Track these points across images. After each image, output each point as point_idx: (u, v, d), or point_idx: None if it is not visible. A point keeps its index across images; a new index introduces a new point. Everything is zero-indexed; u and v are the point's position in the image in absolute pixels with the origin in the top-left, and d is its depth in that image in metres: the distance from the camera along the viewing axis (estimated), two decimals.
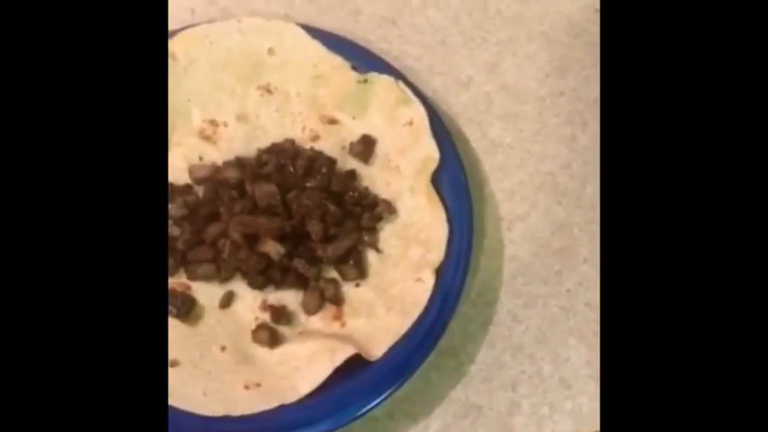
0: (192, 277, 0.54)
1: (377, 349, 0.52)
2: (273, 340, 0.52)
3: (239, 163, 0.58)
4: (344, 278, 0.55)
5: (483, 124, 0.66)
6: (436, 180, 0.57)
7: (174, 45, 0.60)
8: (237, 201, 0.55)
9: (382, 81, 0.61)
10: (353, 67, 0.61)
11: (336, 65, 0.61)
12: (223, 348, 0.52)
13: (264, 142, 0.60)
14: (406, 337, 0.52)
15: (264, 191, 0.55)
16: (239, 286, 0.55)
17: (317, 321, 0.54)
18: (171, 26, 0.62)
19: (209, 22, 0.62)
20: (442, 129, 0.59)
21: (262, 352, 0.52)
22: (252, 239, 0.54)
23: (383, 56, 0.63)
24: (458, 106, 0.66)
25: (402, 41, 0.68)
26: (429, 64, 0.68)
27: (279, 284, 0.54)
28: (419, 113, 0.59)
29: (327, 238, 0.55)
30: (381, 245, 0.57)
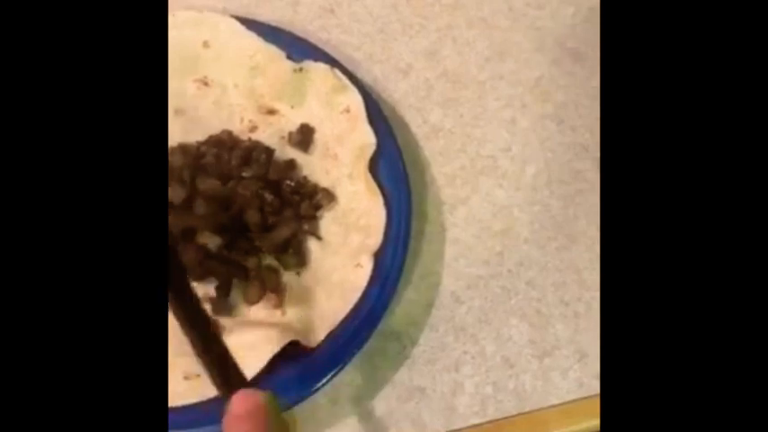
0: None
1: (316, 336, 0.52)
2: None
3: (183, 149, 0.58)
4: (285, 267, 0.56)
5: (423, 110, 0.66)
6: (374, 166, 0.58)
7: None
8: (176, 188, 0.54)
9: (318, 69, 0.61)
10: (289, 57, 0.61)
11: (272, 55, 0.61)
12: None
13: (203, 135, 0.60)
14: (345, 322, 0.52)
15: (208, 185, 0.54)
16: None
17: (258, 311, 0.54)
18: None
19: None
20: (379, 115, 0.60)
21: None
22: (189, 232, 0.54)
23: (322, 46, 0.64)
24: (398, 93, 0.67)
25: (341, 31, 0.69)
26: (369, 52, 0.68)
27: (218, 276, 0.54)
28: (355, 100, 0.60)
29: (266, 228, 0.55)
30: (322, 232, 0.57)
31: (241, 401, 0.36)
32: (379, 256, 0.54)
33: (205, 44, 0.62)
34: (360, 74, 0.64)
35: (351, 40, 0.68)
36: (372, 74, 0.67)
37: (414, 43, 0.69)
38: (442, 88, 0.67)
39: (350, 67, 0.63)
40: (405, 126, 0.65)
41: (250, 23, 0.62)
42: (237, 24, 0.62)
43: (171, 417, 0.48)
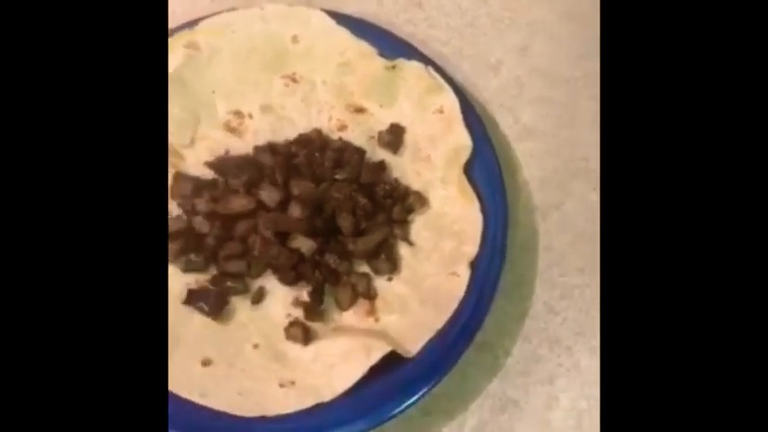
0: (223, 273, 0.53)
1: (412, 345, 0.51)
2: (307, 337, 0.52)
3: (272, 149, 0.57)
4: (376, 272, 0.54)
5: (514, 109, 0.64)
6: (468, 170, 0.56)
7: (196, 35, 0.59)
8: (271, 191, 0.53)
9: (411, 67, 0.59)
10: (381, 54, 0.59)
11: (363, 51, 0.60)
12: (256, 346, 0.52)
13: (291, 133, 0.59)
14: (443, 332, 0.51)
15: (303, 188, 0.53)
16: (270, 282, 0.54)
17: (350, 317, 0.53)
18: (193, 14, 0.60)
19: (232, 9, 0.60)
20: (473, 116, 0.57)
21: (295, 349, 0.52)
22: (282, 235, 0.53)
23: (409, 40, 0.61)
24: (488, 91, 0.64)
25: (428, 24, 0.66)
26: (457, 47, 0.66)
27: (310, 280, 0.53)
28: (450, 101, 0.57)
29: (358, 232, 0.54)
30: (413, 237, 0.56)
31: None
32: (475, 265, 0.53)
33: (294, 39, 0.60)
34: (448, 70, 0.62)
35: (438, 35, 0.66)
36: (461, 70, 0.64)
37: (504, 38, 0.66)
38: (533, 86, 0.65)
39: (439, 63, 0.61)
40: (495, 126, 0.63)
41: (340, 18, 0.60)
42: (328, 19, 0.60)
43: (267, 426, 0.48)
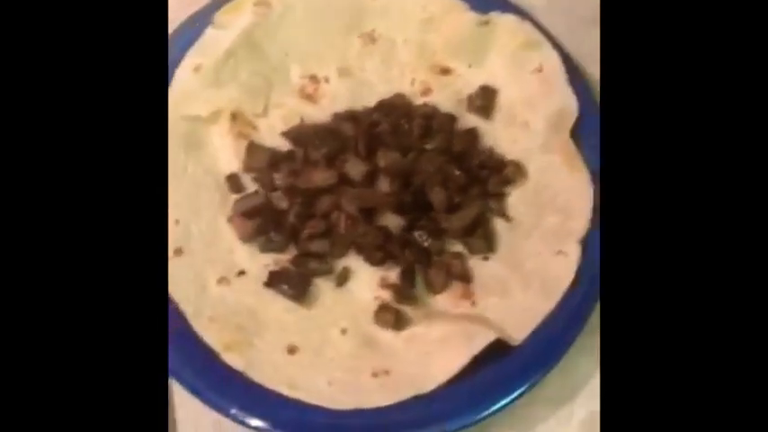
0: (305, 253, 0.49)
1: (518, 333, 0.46)
2: (399, 322, 0.47)
3: (352, 116, 0.52)
4: (471, 251, 0.49)
5: None
6: (574, 136, 0.50)
7: None
8: (356, 164, 0.48)
9: (506, 22, 0.53)
10: (472, 8, 0.53)
11: (449, 5, 0.54)
12: (344, 331, 0.47)
13: (371, 99, 0.53)
14: (551, 318, 0.46)
15: (391, 159, 0.48)
16: (355, 262, 0.49)
17: (443, 301, 0.49)
18: None
19: None
20: (577, 75, 0.51)
21: (386, 335, 0.47)
22: (368, 211, 0.48)
23: None
24: (585, 47, 0.57)
25: None
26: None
27: (399, 260, 0.49)
28: (551, 58, 0.51)
29: (451, 207, 0.49)
30: (511, 212, 0.50)
31: None
32: (586, 243, 0.47)
33: None
34: (543, 23, 0.56)
35: None
36: (555, 23, 0.58)
37: None
38: None
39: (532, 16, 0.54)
40: (595, 88, 0.56)
41: None
42: None
43: (364, 419, 0.44)
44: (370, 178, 0.48)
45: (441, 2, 0.54)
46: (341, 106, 0.53)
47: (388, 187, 0.47)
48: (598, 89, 0.55)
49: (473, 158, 0.50)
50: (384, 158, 0.48)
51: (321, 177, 0.48)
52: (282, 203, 0.49)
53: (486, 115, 0.53)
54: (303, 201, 0.49)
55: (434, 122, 0.51)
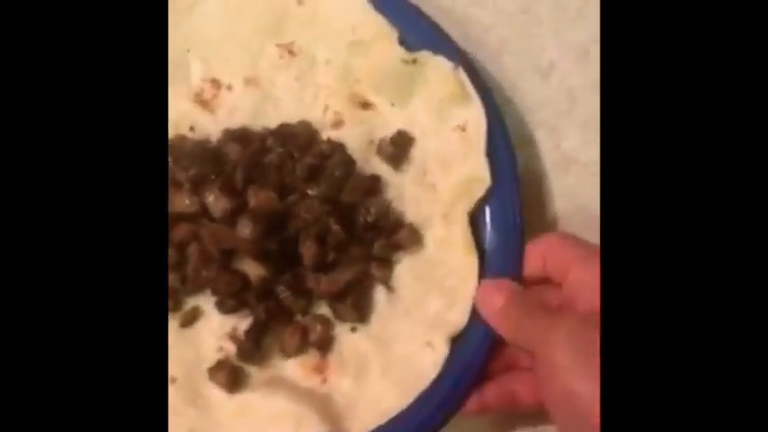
0: None
1: (357, 425, 0.40)
2: (234, 383, 0.42)
3: (244, 137, 0.45)
4: (338, 318, 0.43)
5: (559, 131, 0.50)
6: (479, 210, 0.43)
7: None
8: (219, 198, 0.42)
9: (436, 65, 0.45)
10: (401, 41, 0.46)
11: (381, 31, 0.46)
12: (172, 380, 0.42)
13: (274, 118, 0.47)
14: (398, 420, 0.40)
15: (262, 199, 0.42)
16: (209, 303, 0.44)
17: (293, 366, 0.43)
18: None
19: None
20: (501, 136, 0.44)
21: (217, 395, 0.42)
22: (228, 252, 0.42)
23: (443, 18, 0.48)
24: (531, 100, 0.50)
25: (471, 1, 0.52)
26: (502, 37, 0.51)
27: (254, 313, 0.43)
28: (476, 118, 0.44)
29: (324, 266, 0.43)
30: (394, 282, 0.44)
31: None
32: (457, 342, 0.41)
33: (299, 0, 0.47)
34: (486, 63, 0.49)
35: (481, 17, 0.51)
36: (502, 66, 0.50)
37: (564, 34, 0.51)
38: (588, 104, 0.50)
39: (476, 54, 0.47)
40: (529, 148, 0.49)
41: None
42: None
43: None
44: (235, 216, 0.42)
45: (373, 24, 0.47)
46: (238, 121, 0.47)
47: (250, 232, 0.41)
48: (531, 153, 0.48)
49: (364, 213, 0.44)
50: (255, 197, 0.42)
51: (181, 203, 0.42)
52: None
53: (395, 165, 0.46)
54: None
55: (329, 164, 0.44)
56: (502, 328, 0.40)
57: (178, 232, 0.43)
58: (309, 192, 0.43)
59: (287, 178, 0.44)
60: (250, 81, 0.47)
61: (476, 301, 0.41)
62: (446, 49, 0.46)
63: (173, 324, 0.43)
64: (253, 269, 0.42)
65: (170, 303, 0.43)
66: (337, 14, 0.47)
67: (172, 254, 0.43)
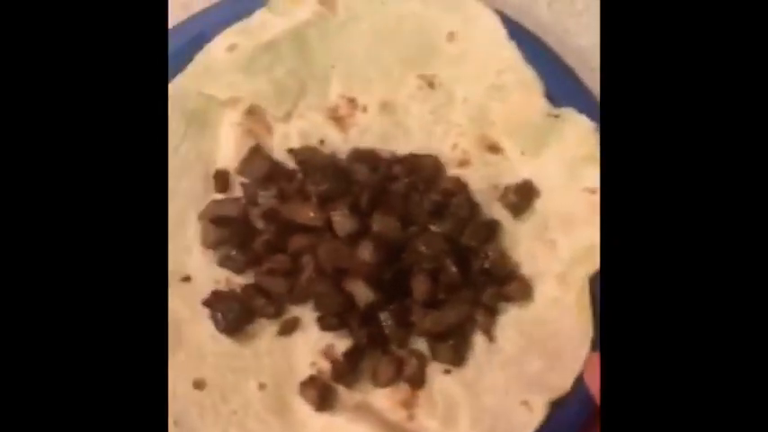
0: (258, 287, 0.44)
1: None
2: (323, 402, 0.42)
3: (371, 159, 0.46)
4: (435, 357, 0.43)
5: None
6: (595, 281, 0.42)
7: None
8: (347, 218, 0.42)
9: (577, 124, 0.45)
10: (547, 94, 0.46)
11: (526, 82, 0.46)
12: (261, 386, 0.42)
13: (403, 146, 0.47)
14: None
15: (386, 227, 0.42)
16: (308, 315, 0.44)
17: (382, 397, 0.42)
18: None
19: None
20: None
21: (304, 411, 0.42)
22: (340, 271, 0.42)
23: (588, 76, 0.47)
24: None
25: None
26: None
27: (353, 335, 0.43)
28: None
29: (432, 303, 0.43)
30: (496, 332, 0.43)
31: None
32: (557, 408, 0.40)
33: (450, 36, 0.48)
34: None
35: None
36: None
37: None
38: None
39: None
40: None
41: (517, 30, 0.47)
42: (499, 26, 0.47)
43: None
44: (356, 238, 0.42)
45: (519, 73, 0.47)
46: (367, 142, 0.47)
47: (370, 257, 0.41)
48: None
49: (482, 258, 0.43)
50: (379, 223, 0.42)
51: (306, 215, 0.43)
52: (258, 223, 0.44)
53: (515, 214, 0.45)
54: (279, 230, 0.44)
55: (454, 202, 0.44)
56: None
57: (297, 241, 0.43)
58: (432, 228, 0.43)
59: (411, 209, 0.44)
60: (386, 106, 0.48)
61: (585, 371, 0.40)
62: (591, 108, 0.45)
63: (270, 330, 0.44)
64: (362, 292, 0.42)
65: (272, 309, 0.43)
66: (485, 57, 0.47)
67: (285, 260, 0.43)
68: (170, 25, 0.47)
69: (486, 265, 0.43)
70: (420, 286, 0.42)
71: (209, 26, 0.47)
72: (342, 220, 0.42)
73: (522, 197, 0.45)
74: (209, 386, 0.42)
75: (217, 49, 0.47)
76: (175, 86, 0.46)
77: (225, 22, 0.47)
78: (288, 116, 0.48)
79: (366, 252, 0.41)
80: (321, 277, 0.42)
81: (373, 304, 0.42)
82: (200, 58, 0.46)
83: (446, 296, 0.43)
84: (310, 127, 0.47)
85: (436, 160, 0.46)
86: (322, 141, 0.47)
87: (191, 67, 0.46)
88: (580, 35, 0.51)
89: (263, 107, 0.47)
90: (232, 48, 0.46)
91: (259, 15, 0.47)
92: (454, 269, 0.42)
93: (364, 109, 0.48)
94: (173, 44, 0.46)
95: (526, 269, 0.44)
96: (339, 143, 0.47)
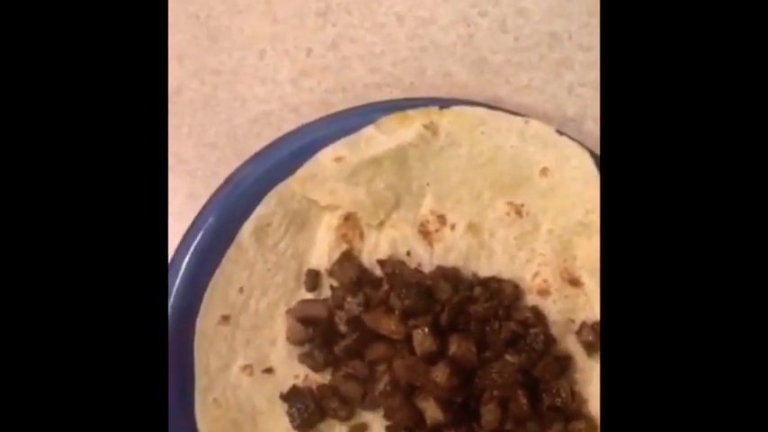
0: (334, 388, 0.46)
1: None
2: None
3: (454, 278, 0.48)
4: None
5: None
6: None
7: (442, 117, 0.51)
8: (426, 337, 0.44)
9: None
10: None
11: None
12: None
13: (485, 268, 0.49)
14: None
15: (462, 351, 0.44)
16: (377, 421, 0.46)
17: None
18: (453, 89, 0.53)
19: (493, 107, 0.52)
20: None
21: None
22: (413, 387, 0.44)
23: None
24: None
25: None
26: None
27: None
28: None
29: (499, 430, 0.44)
30: None
31: None
32: None
33: (544, 171, 0.50)
34: None
35: None
36: None
37: None
38: None
39: None
40: None
41: None
42: (593, 166, 0.49)
43: None
44: (433, 357, 0.44)
45: None
46: (451, 260, 0.50)
47: (445, 379, 0.43)
48: None
49: (550, 393, 0.44)
50: (457, 346, 0.44)
51: (387, 327, 0.45)
52: (342, 327, 0.47)
53: (589, 352, 0.46)
54: (360, 337, 0.46)
55: (531, 333, 0.45)
56: None
57: (376, 350, 0.45)
58: (508, 357, 0.45)
59: (489, 335, 0.45)
60: (472, 227, 0.50)
61: None
62: None
63: (340, 430, 0.46)
64: (432, 411, 0.43)
65: (344, 412, 0.45)
66: (575, 195, 0.49)
67: (361, 368, 0.46)
68: (283, 131, 0.52)
69: (558, 403, 0.44)
70: (489, 414, 0.43)
71: (319, 136, 0.51)
72: (421, 338, 0.44)
73: (598, 336, 0.46)
74: None
75: (325, 158, 0.50)
76: (284, 187, 0.50)
77: (335, 133, 0.51)
78: (381, 225, 0.51)
79: (441, 374, 0.43)
80: (394, 390, 0.44)
81: (441, 424, 0.43)
82: (310, 164, 0.50)
83: (513, 428, 0.44)
84: (400, 238, 0.50)
85: (516, 286, 0.48)
86: (409, 253, 0.50)
87: (300, 172, 0.50)
88: None
89: (360, 215, 0.50)
90: (339, 159, 0.50)
91: (367, 131, 0.51)
92: (525, 401, 0.43)
93: (452, 227, 0.51)
94: (286, 148, 0.50)
95: (594, 409, 0.45)
96: (425, 256, 0.50)
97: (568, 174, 0.49)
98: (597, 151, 0.50)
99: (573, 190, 0.49)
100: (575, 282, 0.49)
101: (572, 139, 0.50)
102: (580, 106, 0.54)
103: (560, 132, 0.50)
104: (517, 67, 0.55)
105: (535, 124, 0.50)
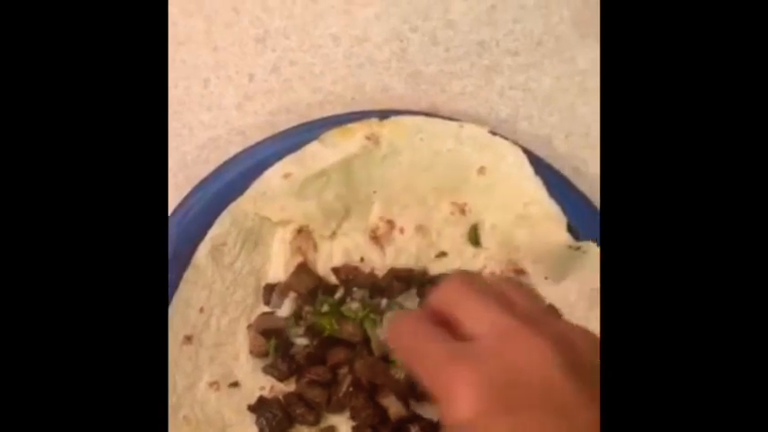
0: (299, 395, 0.47)
1: None
2: None
3: (407, 279, 0.50)
4: None
5: None
6: None
7: (382, 128, 0.53)
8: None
9: (597, 256, 0.49)
10: (570, 228, 0.50)
11: (550, 215, 0.51)
12: None
13: (436, 265, 0.52)
14: None
15: None
16: (344, 424, 0.47)
17: None
18: (388, 101, 0.56)
19: (428, 114, 0.55)
20: None
21: None
22: (375, 386, 0.46)
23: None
24: None
25: None
26: None
27: None
28: None
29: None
30: None
31: None
32: None
33: (481, 171, 0.53)
34: None
35: None
36: None
37: None
38: None
39: None
40: None
41: (542, 166, 0.52)
42: (526, 163, 0.52)
43: None
44: (391, 355, 0.46)
45: (544, 207, 0.51)
46: (403, 261, 0.52)
47: (403, 375, 0.45)
48: None
49: None
50: None
51: (346, 330, 0.47)
52: (302, 339, 0.49)
53: None
54: (320, 343, 0.48)
55: None
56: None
57: (336, 355, 0.47)
58: None
59: None
60: (420, 229, 0.53)
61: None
62: None
63: None
64: (395, 407, 0.45)
65: (311, 417, 0.47)
66: (512, 190, 0.52)
67: (324, 373, 0.47)
68: (231, 154, 0.54)
69: None
70: None
71: (266, 156, 0.53)
72: (378, 339, 0.46)
73: None
74: None
75: (274, 176, 0.52)
76: (236, 207, 0.52)
77: (279, 152, 0.53)
78: (333, 235, 0.53)
79: (400, 372, 0.45)
80: (357, 390, 0.46)
81: (405, 418, 0.45)
82: (259, 183, 0.52)
83: None
84: (353, 246, 0.52)
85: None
86: (362, 259, 0.52)
87: (249, 191, 0.52)
88: (595, 165, 0.56)
89: (312, 227, 0.52)
90: (287, 175, 0.52)
91: (311, 147, 0.53)
92: None
93: (402, 230, 0.53)
94: (235, 169, 0.52)
95: None
96: (378, 261, 0.52)
97: (505, 171, 0.52)
98: (530, 149, 0.53)
99: (510, 185, 0.52)
100: (519, 271, 0.51)
101: (505, 138, 0.53)
102: (512, 108, 0.58)
103: (494, 133, 0.53)
104: (450, 76, 0.58)
105: (469, 127, 0.53)
